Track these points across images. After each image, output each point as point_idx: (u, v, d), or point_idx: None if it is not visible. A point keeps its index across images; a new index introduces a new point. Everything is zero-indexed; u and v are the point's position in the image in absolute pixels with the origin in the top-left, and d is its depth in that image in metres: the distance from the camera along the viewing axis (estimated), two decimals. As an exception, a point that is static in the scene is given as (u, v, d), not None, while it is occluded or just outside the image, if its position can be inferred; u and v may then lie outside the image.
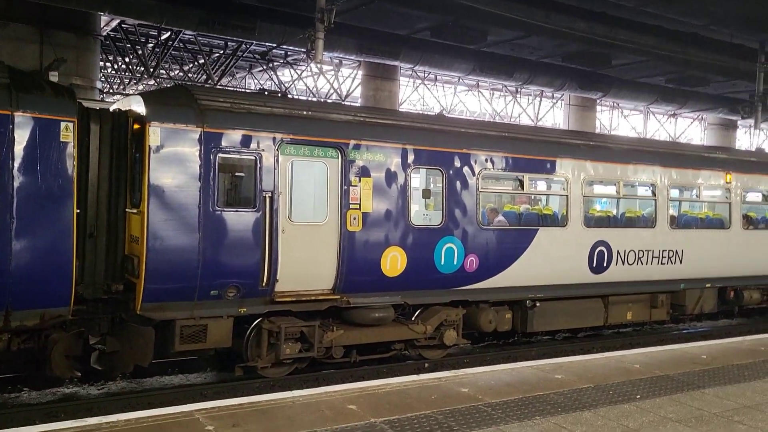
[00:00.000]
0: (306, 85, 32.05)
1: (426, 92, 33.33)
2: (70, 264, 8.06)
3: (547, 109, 34.80)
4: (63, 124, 7.98)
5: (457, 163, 10.96)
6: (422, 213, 11.31)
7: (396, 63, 22.13)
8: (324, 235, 9.83)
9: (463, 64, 22.72)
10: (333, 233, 9.87)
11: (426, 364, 11.18)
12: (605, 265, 12.57)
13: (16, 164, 7.66)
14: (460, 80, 30.71)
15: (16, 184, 7.66)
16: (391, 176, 10.38)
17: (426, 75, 30.06)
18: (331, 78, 29.50)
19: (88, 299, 8.84)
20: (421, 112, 23.50)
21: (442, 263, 10.72)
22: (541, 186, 13.13)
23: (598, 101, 30.31)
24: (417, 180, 11.23)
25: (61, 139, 7.97)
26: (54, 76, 14.45)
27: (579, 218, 12.25)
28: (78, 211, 8.29)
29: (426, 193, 11.31)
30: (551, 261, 11.90)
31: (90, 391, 9.65)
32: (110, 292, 8.97)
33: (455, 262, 10.85)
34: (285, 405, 6.83)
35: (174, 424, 5.91)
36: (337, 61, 27.45)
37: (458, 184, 10.95)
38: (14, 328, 7.95)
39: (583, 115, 28.86)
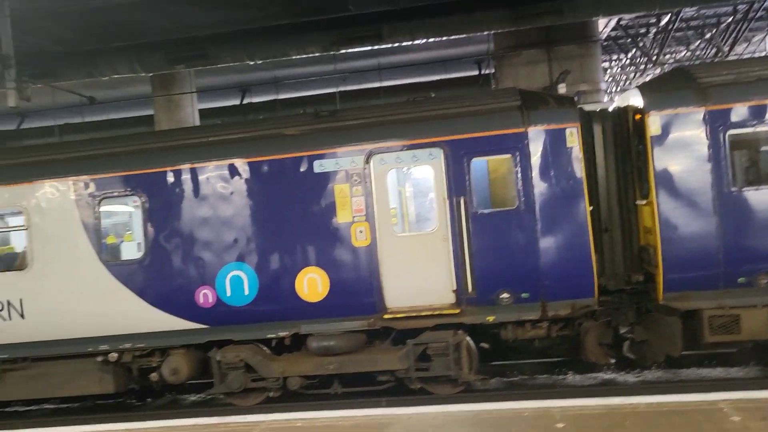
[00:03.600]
0: None
1: None
2: (590, 258, 8.71)
3: None
4: (567, 131, 8.77)
5: None
6: None
7: None
8: None
9: None
10: None
11: None
12: None
13: (534, 173, 8.78)
14: None
15: (536, 190, 8.78)
16: None
17: None
18: None
19: (612, 290, 9.33)
20: None
21: None
22: None
23: None
24: None
25: (567, 145, 8.76)
26: (562, 88, 15.82)
27: None
28: (591, 208, 8.91)
29: None
30: None
31: (627, 378, 10.09)
32: (631, 282, 9.28)
33: None
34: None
35: (697, 411, 5.77)
36: None
37: None
38: (551, 317, 9.03)
39: None
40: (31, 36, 13.16)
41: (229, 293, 9.26)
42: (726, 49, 22.88)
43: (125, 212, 11.72)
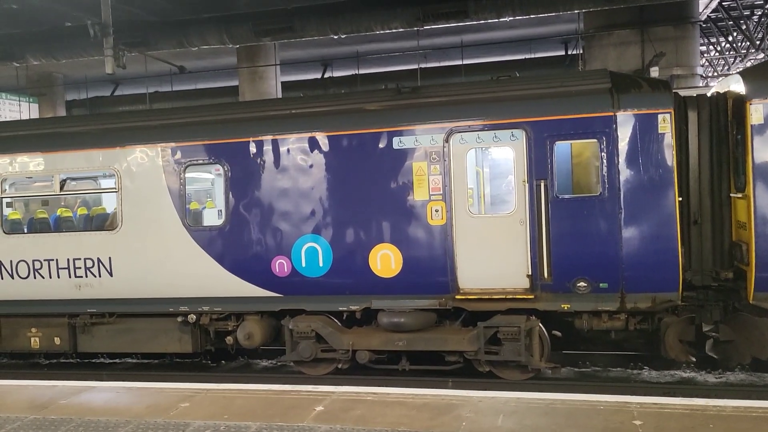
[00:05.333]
0: None
1: None
2: (676, 251, 8.31)
3: None
4: (660, 117, 8.34)
5: None
6: None
7: None
8: None
9: None
10: None
11: None
12: None
13: (621, 159, 8.42)
14: None
15: (621, 177, 8.42)
16: None
17: None
18: None
19: (697, 286, 8.89)
20: None
21: None
22: None
23: None
24: None
25: (659, 131, 8.34)
26: (655, 71, 15.09)
27: None
28: (680, 198, 8.48)
29: None
30: None
31: (707, 378, 9.64)
32: (719, 279, 8.81)
33: None
34: None
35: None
36: None
37: None
38: (629, 310, 8.71)
39: None
40: (127, 5, 13.66)
41: (304, 264, 9.42)
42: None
43: (208, 180, 12.08)
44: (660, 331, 8.99)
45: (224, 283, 9.73)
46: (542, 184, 8.62)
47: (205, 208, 11.59)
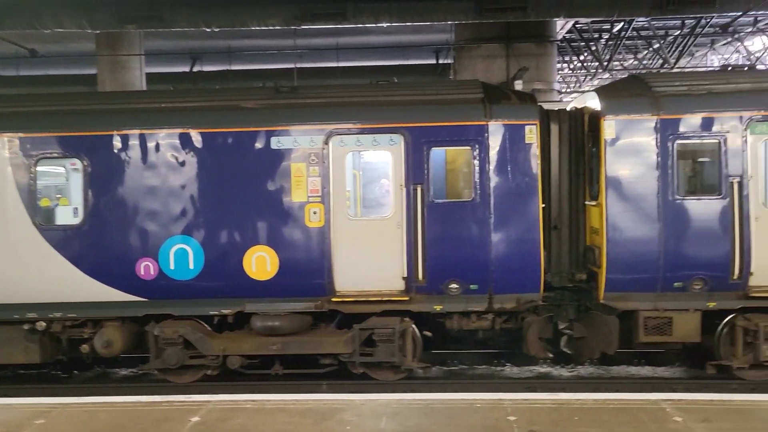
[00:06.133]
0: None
1: None
2: (539, 254, 8.86)
3: None
4: (527, 128, 8.86)
5: None
6: None
7: None
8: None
9: None
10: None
11: None
12: None
13: (491, 167, 8.84)
14: None
15: (492, 184, 8.84)
16: None
17: None
18: (819, 35, 24.56)
19: (555, 287, 9.53)
20: None
21: None
22: None
23: None
24: None
25: (526, 141, 8.85)
26: (519, 85, 15.98)
27: None
28: (543, 205, 9.04)
29: None
30: None
31: (561, 372, 10.36)
32: (574, 280, 9.50)
33: None
34: (764, 407, 6.16)
35: (639, 409, 6.00)
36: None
37: None
38: (496, 310, 9.15)
39: None
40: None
41: (172, 266, 8.95)
42: (672, 60, 23.69)
43: (64, 175, 11.10)
44: (522, 329, 9.51)
45: (81, 288, 9.01)
46: (418, 189, 8.83)
47: (58, 205, 10.66)
